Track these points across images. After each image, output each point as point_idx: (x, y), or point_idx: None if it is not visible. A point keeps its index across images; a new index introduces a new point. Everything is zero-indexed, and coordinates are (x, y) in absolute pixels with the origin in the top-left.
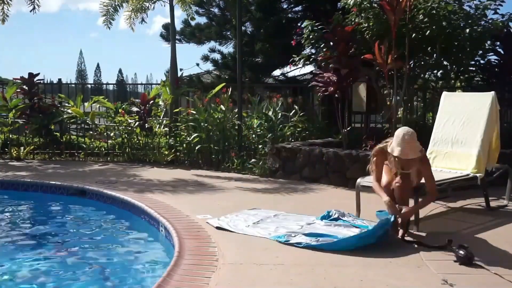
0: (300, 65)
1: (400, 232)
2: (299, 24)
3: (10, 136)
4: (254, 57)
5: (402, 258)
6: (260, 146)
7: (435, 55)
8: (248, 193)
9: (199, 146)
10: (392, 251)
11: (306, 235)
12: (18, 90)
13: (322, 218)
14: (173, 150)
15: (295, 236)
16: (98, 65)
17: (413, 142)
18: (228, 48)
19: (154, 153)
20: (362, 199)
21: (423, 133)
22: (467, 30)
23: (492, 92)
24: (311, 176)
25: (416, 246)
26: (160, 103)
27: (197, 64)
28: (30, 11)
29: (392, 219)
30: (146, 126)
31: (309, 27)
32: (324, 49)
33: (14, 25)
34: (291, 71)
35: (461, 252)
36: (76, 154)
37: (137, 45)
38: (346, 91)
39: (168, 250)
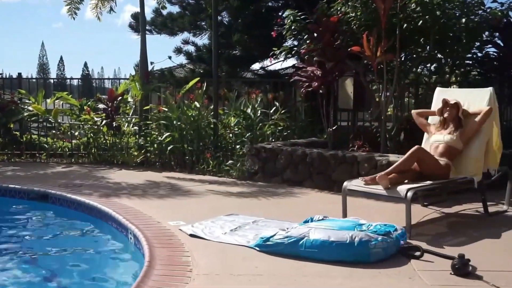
0: (281, 58)
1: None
2: (280, 14)
3: None
4: (232, 50)
5: (392, 269)
6: (237, 147)
7: (428, 47)
8: (225, 197)
9: (171, 146)
10: (381, 261)
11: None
12: None
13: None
14: (143, 151)
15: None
16: (61, 58)
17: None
18: (203, 40)
19: (123, 154)
20: (349, 204)
21: (416, 132)
22: (463, 20)
23: (490, 88)
24: (293, 179)
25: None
26: (129, 99)
27: (169, 57)
28: None
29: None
30: (114, 125)
31: (291, 17)
32: (308, 41)
33: None
34: (271, 64)
35: (457, 261)
36: (37, 155)
37: (104, 37)
38: (331, 87)
39: (138, 259)
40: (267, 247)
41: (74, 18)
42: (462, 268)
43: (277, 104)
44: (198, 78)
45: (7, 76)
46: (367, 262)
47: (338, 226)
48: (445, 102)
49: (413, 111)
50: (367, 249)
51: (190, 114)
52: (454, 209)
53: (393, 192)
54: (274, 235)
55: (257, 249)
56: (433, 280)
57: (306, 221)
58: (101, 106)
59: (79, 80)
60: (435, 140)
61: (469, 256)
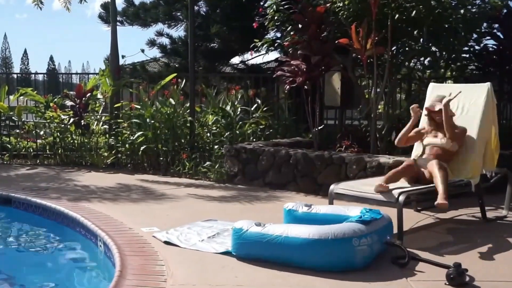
0: (263, 52)
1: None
2: (262, 4)
3: None
4: (209, 42)
5: (382, 281)
6: (216, 147)
7: (422, 39)
8: (202, 201)
9: (144, 146)
10: (371, 271)
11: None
12: None
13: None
14: (113, 152)
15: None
16: (25, 51)
17: (440, 98)
18: (178, 32)
19: (92, 154)
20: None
21: None
22: (461, 11)
23: (488, 83)
24: (276, 182)
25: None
26: (99, 96)
27: (142, 50)
28: None
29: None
30: (82, 123)
31: (274, 7)
32: (292, 33)
33: None
34: (252, 58)
35: (452, 271)
36: None
37: (72, 28)
38: (317, 82)
39: (108, 268)
40: (243, 247)
41: (40, 8)
42: (458, 278)
43: (259, 101)
44: (175, 74)
45: None
46: (352, 264)
47: (323, 218)
48: (429, 112)
49: (396, 141)
50: (351, 246)
51: (164, 112)
52: (449, 214)
53: (384, 195)
54: (248, 228)
55: (234, 254)
56: None
57: (289, 212)
58: (68, 103)
59: (45, 75)
60: (430, 142)
61: (466, 265)
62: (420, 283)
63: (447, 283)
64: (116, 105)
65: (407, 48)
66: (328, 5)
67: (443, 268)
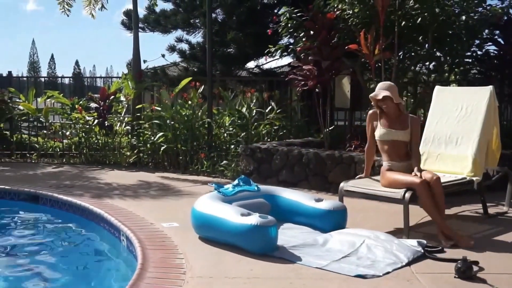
0: (276, 57)
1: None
2: (275, 11)
3: None
4: (226, 48)
5: (390, 271)
6: (232, 146)
7: (427, 45)
8: None
9: (164, 146)
10: None
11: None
12: None
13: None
14: (135, 151)
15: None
16: (52, 56)
17: (386, 86)
18: (196, 38)
19: (115, 154)
20: (346, 205)
21: None
22: (463, 18)
23: (490, 86)
24: (289, 180)
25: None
26: (122, 98)
27: (163, 55)
28: None
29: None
30: (106, 124)
31: (287, 14)
32: (304, 39)
33: None
34: (266, 63)
35: (461, 264)
36: (28, 155)
37: (97, 34)
38: (327, 85)
39: (130, 262)
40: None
41: (68, 15)
42: (467, 271)
43: (273, 103)
44: (190, 78)
45: None
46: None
47: None
48: (375, 100)
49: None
50: None
51: (184, 114)
52: (453, 211)
53: (390, 193)
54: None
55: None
56: (432, 283)
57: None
58: (93, 105)
59: (71, 79)
60: (389, 137)
61: (469, 259)
62: (426, 275)
63: (456, 276)
64: (137, 107)
65: (413, 53)
66: (338, 12)
67: (450, 262)
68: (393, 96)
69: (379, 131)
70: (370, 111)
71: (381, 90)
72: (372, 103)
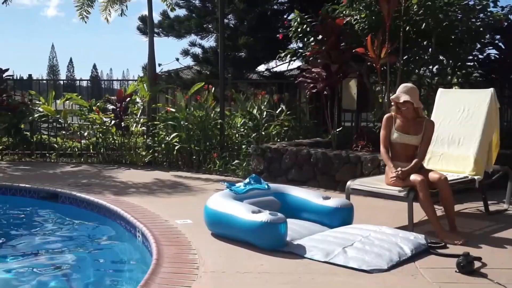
0: (287, 60)
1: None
2: (285, 17)
3: None
4: (237, 52)
5: (395, 267)
6: (243, 147)
7: (430, 49)
8: None
9: (178, 146)
10: None
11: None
12: None
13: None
14: (151, 151)
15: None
16: (71, 59)
17: (407, 89)
18: (209, 42)
19: (131, 153)
20: (353, 203)
21: None
22: (466, 23)
23: (491, 89)
24: (298, 179)
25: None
26: (137, 100)
27: (177, 59)
28: (2, 3)
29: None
30: (122, 125)
31: (297, 19)
32: (313, 43)
33: None
34: (277, 66)
35: (462, 259)
36: (47, 155)
37: (113, 39)
38: (335, 88)
39: (146, 257)
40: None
41: (86, 22)
42: (468, 266)
43: (283, 105)
44: (203, 83)
45: (18, 78)
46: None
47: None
48: (395, 103)
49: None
50: None
51: (197, 115)
52: (455, 208)
53: (395, 191)
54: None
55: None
56: (436, 277)
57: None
58: (110, 106)
59: (88, 82)
60: (401, 141)
61: (472, 254)
62: (429, 270)
63: (457, 271)
64: (152, 106)
65: (417, 57)
66: (346, 18)
67: (453, 257)
68: (413, 100)
69: (393, 134)
70: (387, 115)
71: (402, 94)
72: (392, 104)
